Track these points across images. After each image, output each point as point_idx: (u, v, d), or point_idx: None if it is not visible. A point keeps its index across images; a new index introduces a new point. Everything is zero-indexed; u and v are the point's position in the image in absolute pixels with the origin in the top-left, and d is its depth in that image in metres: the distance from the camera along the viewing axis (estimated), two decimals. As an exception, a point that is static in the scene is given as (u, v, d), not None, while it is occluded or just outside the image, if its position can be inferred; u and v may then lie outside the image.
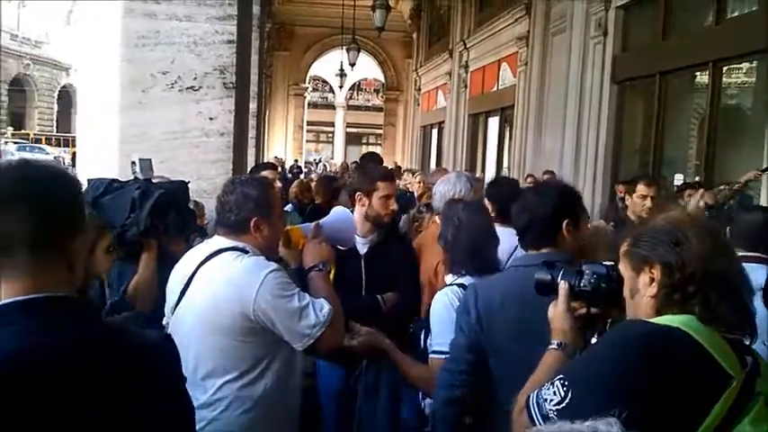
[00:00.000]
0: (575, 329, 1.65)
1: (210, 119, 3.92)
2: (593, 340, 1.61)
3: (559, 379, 1.36)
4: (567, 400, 1.32)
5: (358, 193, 3.24)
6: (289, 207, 7.58)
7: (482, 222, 2.77)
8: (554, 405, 1.33)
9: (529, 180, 9.81)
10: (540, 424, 1.34)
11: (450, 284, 2.65)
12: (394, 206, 3.28)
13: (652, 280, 1.42)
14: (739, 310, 1.38)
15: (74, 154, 22.21)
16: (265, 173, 4.42)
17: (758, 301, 3.21)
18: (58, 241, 1.22)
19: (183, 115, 3.94)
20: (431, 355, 2.59)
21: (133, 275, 2.80)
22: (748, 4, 7.57)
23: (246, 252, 2.31)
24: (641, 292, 1.45)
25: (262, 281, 2.19)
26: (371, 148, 34.94)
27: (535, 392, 1.39)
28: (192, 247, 2.99)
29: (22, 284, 1.18)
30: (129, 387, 1.21)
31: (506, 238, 3.57)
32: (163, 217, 2.88)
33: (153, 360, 1.30)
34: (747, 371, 1.32)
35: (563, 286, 1.68)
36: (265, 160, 13.04)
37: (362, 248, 3.23)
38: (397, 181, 7.04)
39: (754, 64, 7.50)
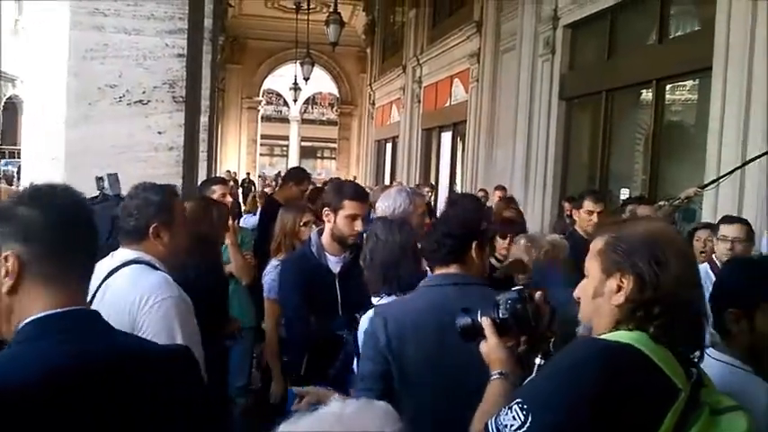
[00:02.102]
0: (511, 357, 1.63)
1: (159, 133, 3.87)
2: (538, 361, 1.60)
3: (517, 403, 1.34)
4: (528, 424, 1.30)
5: (326, 208, 3.13)
6: (244, 220, 7.52)
7: (399, 240, 2.62)
8: (515, 430, 1.32)
9: (480, 194, 9.96)
10: None
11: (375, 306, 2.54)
12: (359, 227, 3.08)
13: (620, 288, 1.41)
14: (694, 334, 1.41)
15: (19, 167, 21.56)
16: (215, 187, 4.38)
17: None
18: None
19: (131, 129, 3.88)
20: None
21: None
22: (690, 25, 7.88)
23: (154, 267, 2.24)
24: (605, 297, 1.44)
25: (159, 302, 2.11)
26: (326, 162, 34.93)
27: (493, 419, 1.37)
28: None
29: (59, 299, 1.27)
30: (158, 392, 1.26)
31: None
32: None
33: (178, 365, 1.35)
34: (693, 382, 1.36)
35: (486, 323, 1.66)
36: (218, 174, 12.92)
37: (335, 267, 3.13)
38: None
39: (697, 82, 7.78)
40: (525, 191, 10.44)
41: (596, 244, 1.50)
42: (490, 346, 1.65)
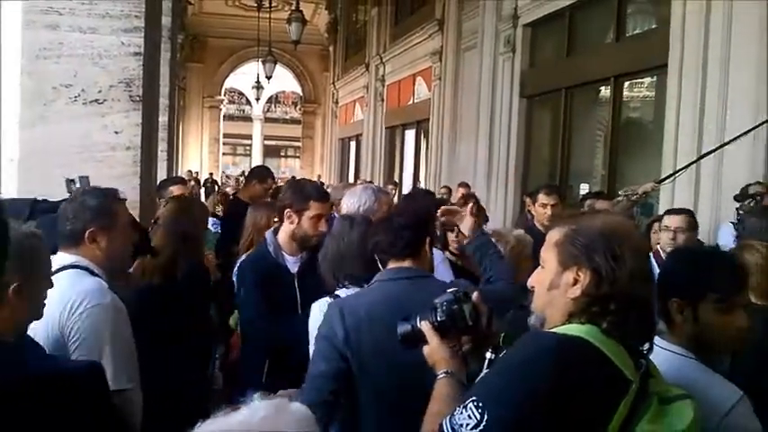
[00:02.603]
0: (455, 356, 1.62)
1: (116, 133, 3.81)
2: (488, 355, 1.60)
3: (472, 401, 1.33)
4: (484, 422, 1.29)
5: (288, 210, 3.11)
6: (211, 222, 7.42)
7: (353, 238, 2.59)
8: (471, 429, 1.30)
9: (443, 191, 10.02)
10: None
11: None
12: (324, 227, 3.10)
13: (576, 281, 1.42)
14: (645, 329, 1.43)
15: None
16: (173, 188, 4.31)
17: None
18: None
19: (87, 129, 3.82)
20: None
21: None
22: (647, 23, 8.04)
23: (91, 272, 2.20)
24: (561, 289, 1.44)
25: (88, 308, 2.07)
26: (290, 161, 34.74)
27: (447, 420, 1.35)
28: None
29: None
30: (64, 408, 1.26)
31: None
32: None
33: (81, 382, 1.33)
34: (642, 373, 1.38)
35: (425, 326, 1.65)
36: (179, 174, 12.77)
37: (293, 267, 3.11)
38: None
39: (654, 79, 7.94)
40: (488, 187, 10.54)
41: (553, 235, 1.50)
42: (432, 348, 1.63)
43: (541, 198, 4.83)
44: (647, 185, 5.68)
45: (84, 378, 1.38)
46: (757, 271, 2.30)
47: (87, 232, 2.23)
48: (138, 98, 3.86)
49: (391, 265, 2.25)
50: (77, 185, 2.93)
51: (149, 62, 4.00)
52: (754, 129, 5.13)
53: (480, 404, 1.31)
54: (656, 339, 1.79)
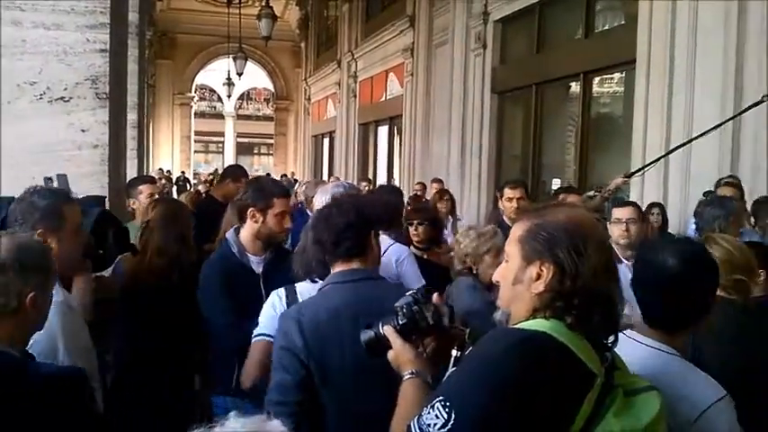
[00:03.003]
0: (420, 357, 1.61)
1: (83, 131, 3.75)
2: (454, 353, 1.59)
3: (439, 401, 1.31)
4: (451, 421, 1.28)
5: (251, 209, 3.01)
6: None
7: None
8: (438, 429, 1.28)
9: (417, 187, 10.04)
10: None
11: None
12: (289, 224, 3.05)
13: (539, 276, 1.41)
14: (610, 324, 1.42)
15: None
16: (142, 187, 4.23)
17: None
18: None
19: (53, 128, 3.75)
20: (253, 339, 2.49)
21: None
22: (615, 19, 8.13)
23: None
24: (525, 284, 1.43)
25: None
26: (263, 159, 34.54)
27: (415, 420, 1.33)
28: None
29: None
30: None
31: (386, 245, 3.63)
32: (105, 236, 2.72)
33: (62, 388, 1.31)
34: (606, 366, 1.38)
35: (389, 331, 1.63)
36: (150, 173, 12.63)
37: (258, 267, 3.04)
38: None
39: (623, 74, 8.03)
40: (461, 183, 10.59)
41: (517, 229, 1.49)
42: (396, 351, 1.62)
43: (507, 192, 4.86)
44: (618, 180, 5.73)
45: (66, 383, 1.35)
46: (720, 264, 2.34)
47: (35, 235, 2.12)
48: (104, 96, 3.80)
49: (339, 267, 2.17)
50: (55, 184, 2.88)
51: (116, 59, 3.94)
52: (721, 125, 5.22)
53: (447, 403, 1.30)
54: (632, 333, 1.82)
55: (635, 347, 1.79)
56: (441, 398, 1.32)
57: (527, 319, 1.41)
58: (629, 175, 5.93)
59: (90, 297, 2.66)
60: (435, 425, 1.29)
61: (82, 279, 2.65)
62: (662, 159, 5.97)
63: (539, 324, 1.38)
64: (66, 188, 2.88)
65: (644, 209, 5.08)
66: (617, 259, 3.64)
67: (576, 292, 1.37)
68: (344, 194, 2.98)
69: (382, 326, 1.65)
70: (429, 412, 1.31)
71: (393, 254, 3.63)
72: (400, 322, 1.62)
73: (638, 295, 1.88)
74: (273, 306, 2.47)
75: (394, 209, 3.83)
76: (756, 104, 4.74)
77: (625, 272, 3.54)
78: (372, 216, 2.23)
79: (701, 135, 5.24)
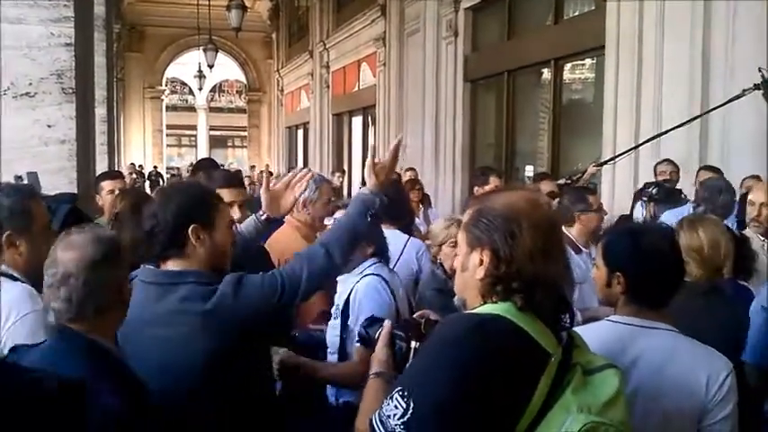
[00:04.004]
0: (389, 361, 1.66)
1: (49, 126, 3.70)
2: (414, 345, 1.63)
3: (397, 391, 1.33)
4: (410, 411, 1.29)
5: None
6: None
7: None
8: (398, 419, 1.30)
9: (393, 176, 10.02)
10: None
11: (368, 274, 2.70)
12: (237, 214, 2.90)
13: (482, 262, 1.43)
14: (558, 305, 1.43)
15: None
16: (104, 183, 4.07)
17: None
18: None
19: (18, 123, 3.69)
20: (356, 344, 2.52)
21: None
22: (586, 5, 8.17)
23: (13, 278, 2.03)
24: (470, 271, 1.46)
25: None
26: (237, 151, 34.26)
27: (376, 414, 1.35)
28: None
29: None
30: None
31: (390, 239, 3.67)
32: None
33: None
34: (563, 345, 1.41)
35: (384, 335, 1.69)
36: (122, 168, 12.47)
37: None
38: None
39: (594, 61, 8.09)
40: (436, 172, 10.62)
41: (465, 217, 1.52)
42: (377, 352, 1.67)
43: (493, 181, 4.88)
44: (591, 169, 5.81)
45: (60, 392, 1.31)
46: (686, 252, 2.40)
47: (4, 237, 2.04)
48: (70, 90, 3.74)
49: (148, 266, 2.06)
50: (25, 181, 2.83)
51: (82, 53, 3.89)
52: (691, 121, 5.31)
53: (405, 393, 1.32)
54: (630, 319, 1.89)
55: (632, 331, 1.87)
56: (399, 388, 1.34)
57: (479, 306, 1.44)
58: (601, 164, 6.00)
59: None
60: (395, 415, 1.31)
61: None
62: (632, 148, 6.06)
63: (491, 308, 1.41)
64: (37, 186, 2.83)
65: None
66: (575, 248, 3.70)
67: (513, 276, 1.38)
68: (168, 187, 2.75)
69: (376, 330, 1.72)
70: (389, 403, 1.33)
71: (413, 248, 3.67)
72: (397, 352, 1.69)
73: (628, 276, 1.92)
74: None
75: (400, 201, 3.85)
76: (737, 97, 4.81)
77: (586, 260, 3.60)
78: (191, 209, 2.01)
79: (671, 130, 5.32)
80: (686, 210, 4.50)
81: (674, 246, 1.96)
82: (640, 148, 6.04)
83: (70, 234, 1.67)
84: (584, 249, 3.71)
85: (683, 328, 1.90)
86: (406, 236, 3.79)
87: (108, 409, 1.47)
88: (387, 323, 1.71)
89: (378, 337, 1.71)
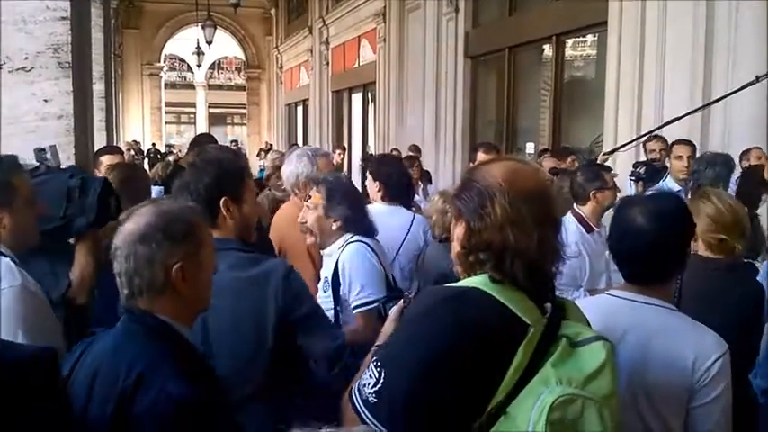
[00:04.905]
0: None
1: (46, 101, 3.65)
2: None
3: (373, 362, 1.36)
4: (381, 380, 1.31)
5: None
6: (156, 190, 7.26)
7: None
8: (371, 388, 1.32)
9: (395, 153, 10.01)
10: (362, 410, 1.33)
11: (351, 242, 2.71)
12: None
13: (458, 234, 1.45)
14: (534, 279, 1.39)
15: None
16: (103, 158, 4.07)
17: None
18: None
19: (14, 99, 3.64)
20: (356, 311, 2.61)
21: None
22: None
23: None
24: (455, 242, 1.48)
25: None
26: (236, 129, 34.10)
27: (356, 383, 1.38)
28: None
29: None
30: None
31: (395, 215, 3.59)
32: (108, 205, 2.63)
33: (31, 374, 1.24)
34: (549, 317, 1.38)
35: (395, 311, 1.69)
36: (120, 144, 12.40)
37: None
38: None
39: (596, 37, 8.01)
40: (436, 149, 10.57)
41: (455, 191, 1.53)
42: (386, 326, 1.68)
43: (480, 156, 4.85)
44: (601, 157, 5.88)
45: (32, 363, 1.29)
46: (707, 221, 2.38)
47: None
48: (67, 65, 3.69)
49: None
50: (48, 155, 2.80)
51: (78, 27, 3.83)
52: (698, 110, 5.30)
53: (379, 363, 1.34)
54: (630, 294, 1.87)
55: (633, 306, 1.84)
56: (375, 359, 1.37)
57: (465, 278, 1.45)
58: (610, 153, 6.00)
59: (91, 271, 2.54)
60: (369, 384, 1.33)
61: (84, 251, 2.54)
62: (636, 127, 6.04)
63: (467, 281, 1.41)
64: (57, 159, 2.80)
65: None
66: (587, 227, 3.69)
67: (482, 247, 1.38)
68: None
69: (390, 307, 1.73)
70: (365, 373, 1.36)
71: (420, 225, 3.69)
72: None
73: (617, 254, 1.92)
74: None
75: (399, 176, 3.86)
76: (750, 84, 4.81)
77: (596, 239, 3.59)
78: (222, 182, 2.12)
79: (674, 121, 5.33)
80: (664, 185, 4.63)
81: (657, 220, 1.83)
82: (642, 128, 6.01)
83: (144, 206, 1.67)
84: (595, 228, 3.71)
85: (701, 306, 1.88)
86: (411, 213, 3.79)
87: (178, 397, 1.43)
88: (401, 301, 1.72)
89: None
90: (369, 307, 2.55)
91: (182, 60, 30.69)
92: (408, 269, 3.65)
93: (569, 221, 3.62)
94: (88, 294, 2.54)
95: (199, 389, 1.48)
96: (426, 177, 7.95)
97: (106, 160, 4.02)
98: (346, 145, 15.15)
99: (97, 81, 6.47)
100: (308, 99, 19.00)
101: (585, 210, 3.74)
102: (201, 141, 5.41)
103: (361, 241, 2.72)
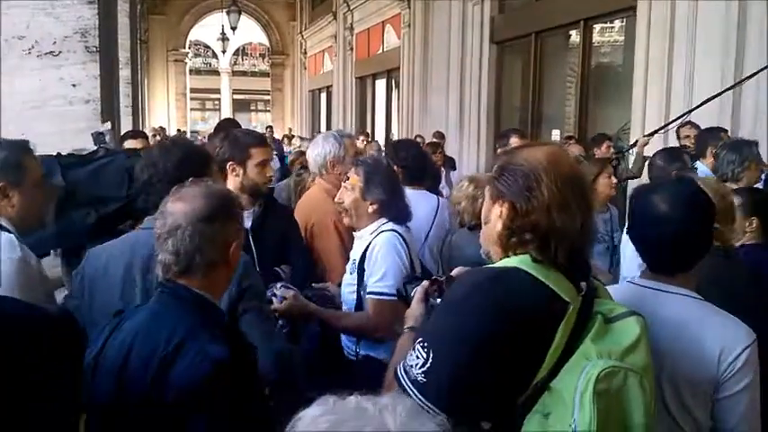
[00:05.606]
0: (423, 317, 1.68)
1: (74, 85, 3.69)
2: (433, 301, 1.67)
3: (419, 342, 1.37)
4: (429, 360, 1.33)
5: (230, 162, 2.93)
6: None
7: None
8: (419, 368, 1.34)
9: (418, 140, 9.97)
10: (410, 389, 1.34)
11: (384, 230, 2.69)
12: (271, 172, 3.07)
13: (501, 214, 1.46)
14: (574, 261, 1.43)
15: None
16: (129, 142, 4.11)
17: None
18: None
19: (43, 83, 3.69)
20: (369, 296, 2.60)
21: None
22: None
23: (1, 227, 2.09)
24: (492, 223, 1.50)
25: None
26: (260, 115, 34.20)
27: (401, 364, 1.40)
28: None
29: None
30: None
31: (422, 200, 3.58)
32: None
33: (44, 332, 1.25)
34: (583, 294, 1.42)
35: (423, 287, 1.71)
36: (146, 130, 12.50)
37: (247, 221, 3.01)
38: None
39: (623, 22, 7.88)
40: (460, 135, 10.50)
41: (492, 174, 1.55)
42: (413, 307, 1.70)
43: (514, 141, 4.81)
44: (642, 139, 5.86)
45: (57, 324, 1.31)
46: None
47: None
48: (94, 49, 3.72)
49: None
50: (107, 138, 2.85)
51: (105, 11, 3.86)
52: (724, 92, 5.19)
53: (425, 344, 1.36)
54: (655, 284, 1.83)
55: (657, 295, 1.81)
56: (420, 339, 1.39)
57: (501, 259, 1.48)
58: (651, 134, 5.92)
59: None
60: (417, 365, 1.35)
61: None
62: (665, 115, 5.95)
63: (507, 261, 1.45)
64: (114, 141, 2.85)
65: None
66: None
67: (528, 228, 1.41)
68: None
69: (413, 288, 1.75)
70: (411, 354, 1.38)
71: (445, 208, 3.69)
72: (435, 300, 1.70)
73: (641, 242, 1.88)
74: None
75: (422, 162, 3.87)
76: None
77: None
78: (195, 161, 2.17)
79: (702, 104, 5.24)
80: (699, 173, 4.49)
81: (682, 207, 1.80)
82: (671, 110, 5.92)
83: (182, 186, 1.71)
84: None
85: (724, 294, 1.83)
86: (436, 197, 3.79)
87: (216, 356, 1.52)
88: (425, 282, 1.74)
89: (414, 295, 1.74)
90: (382, 297, 2.54)
91: (206, 46, 30.79)
92: (435, 254, 3.65)
93: None
94: None
95: (233, 351, 1.56)
96: (450, 164, 7.90)
97: (131, 144, 4.06)
98: (369, 131, 15.14)
99: (123, 66, 6.52)
100: (331, 85, 18.98)
101: None
102: (226, 126, 5.43)
103: (395, 230, 2.69)
